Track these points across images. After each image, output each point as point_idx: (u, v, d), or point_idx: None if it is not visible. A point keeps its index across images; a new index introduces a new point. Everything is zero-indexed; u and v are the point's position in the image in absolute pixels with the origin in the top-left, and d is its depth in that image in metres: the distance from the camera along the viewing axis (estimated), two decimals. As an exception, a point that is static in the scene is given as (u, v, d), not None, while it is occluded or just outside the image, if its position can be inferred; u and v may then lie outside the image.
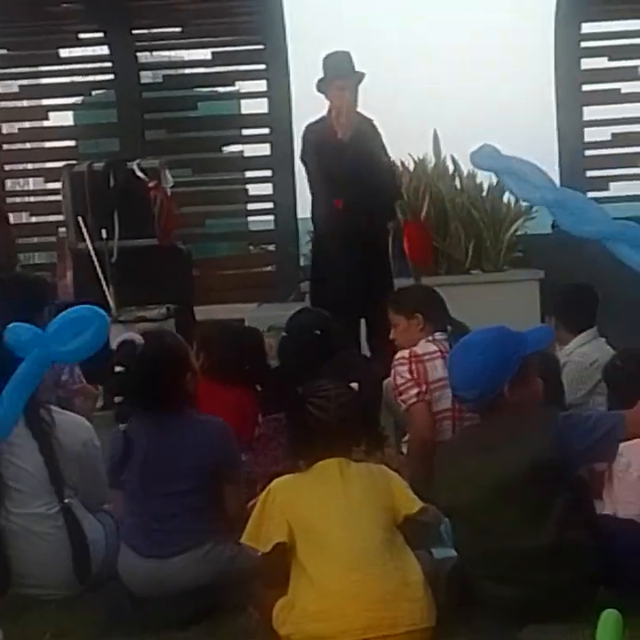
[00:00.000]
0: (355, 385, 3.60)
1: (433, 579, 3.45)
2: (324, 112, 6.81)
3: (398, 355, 4.91)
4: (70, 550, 3.93)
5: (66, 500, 3.95)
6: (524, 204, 9.06)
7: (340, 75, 6.72)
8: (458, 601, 3.58)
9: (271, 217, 10.56)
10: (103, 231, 7.23)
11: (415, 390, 4.76)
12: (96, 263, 7.18)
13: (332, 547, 3.28)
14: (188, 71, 11.55)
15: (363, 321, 6.66)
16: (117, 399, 3.86)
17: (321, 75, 6.71)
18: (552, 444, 3.45)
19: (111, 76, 10.69)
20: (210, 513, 3.83)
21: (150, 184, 7.32)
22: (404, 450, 4.94)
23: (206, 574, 3.75)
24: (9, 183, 11.74)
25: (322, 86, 6.80)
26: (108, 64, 10.70)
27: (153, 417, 3.85)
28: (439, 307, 5.05)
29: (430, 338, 4.91)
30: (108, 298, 7.09)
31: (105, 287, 7.13)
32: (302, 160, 6.96)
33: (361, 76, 6.82)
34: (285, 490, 3.42)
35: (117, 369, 3.82)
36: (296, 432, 3.60)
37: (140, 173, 7.35)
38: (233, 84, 11.12)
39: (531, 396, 3.66)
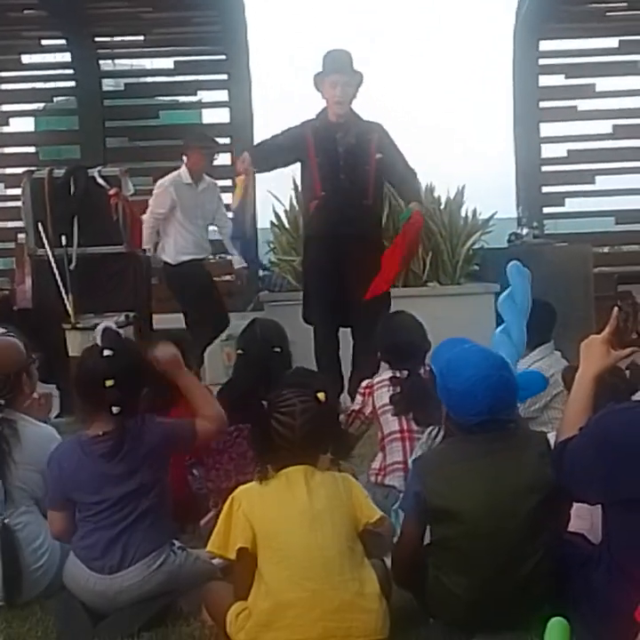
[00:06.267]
0: (321, 395, 3.47)
1: (387, 588, 3.47)
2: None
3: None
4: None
5: (6, 521, 3.89)
6: (481, 217, 9.19)
7: (336, 70, 6.65)
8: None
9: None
10: (63, 238, 7.22)
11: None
12: (55, 270, 7.17)
13: (292, 555, 3.26)
14: (149, 80, 11.55)
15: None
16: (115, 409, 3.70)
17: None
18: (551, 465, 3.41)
19: (73, 83, 10.70)
20: (159, 520, 3.78)
21: (111, 192, 7.34)
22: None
23: (158, 582, 3.72)
24: (-32, 188, 11.70)
25: (317, 81, 6.73)
26: (70, 71, 10.72)
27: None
28: None
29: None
30: (67, 305, 7.09)
31: (64, 294, 7.13)
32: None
33: (360, 76, 6.75)
34: (250, 496, 3.38)
35: (107, 352, 3.70)
36: (261, 445, 3.52)
37: (100, 181, 7.35)
38: (195, 94, 11.16)
39: None
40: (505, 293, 4.67)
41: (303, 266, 7.26)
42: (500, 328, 4.61)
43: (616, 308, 3.51)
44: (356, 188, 6.66)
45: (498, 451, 3.44)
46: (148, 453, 3.76)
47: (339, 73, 6.64)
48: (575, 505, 3.76)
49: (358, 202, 6.67)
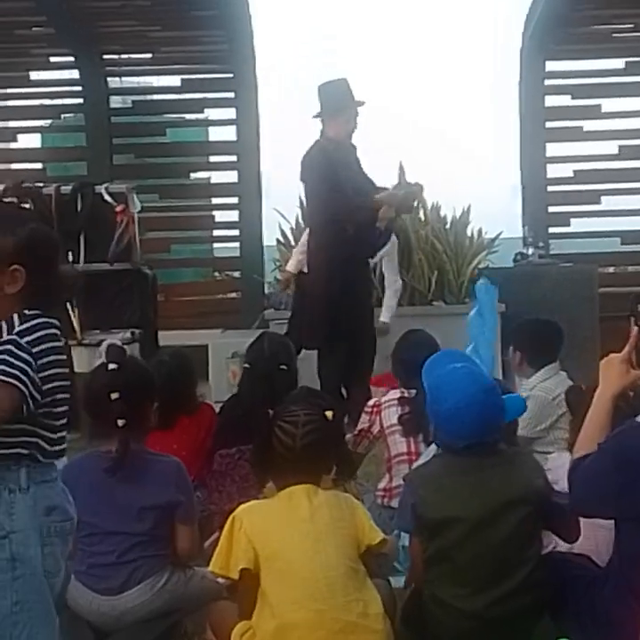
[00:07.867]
0: (329, 413, 3.45)
1: (391, 608, 3.46)
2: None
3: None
4: None
5: None
6: (487, 237, 9.21)
7: (345, 108, 6.63)
8: (413, 630, 3.61)
9: (237, 244, 10.63)
10: (69, 254, 7.25)
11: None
12: (61, 286, 7.18)
13: (296, 575, 3.24)
14: (157, 97, 11.59)
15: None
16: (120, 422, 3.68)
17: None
18: (544, 483, 3.47)
19: (80, 100, 10.75)
20: (163, 542, 3.77)
21: (117, 208, 7.36)
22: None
23: (162, 602, 3.73)
24: (-25, 203, 11.71)
25: (322, 117, 6.69)
26: (78, 88, 10.75)
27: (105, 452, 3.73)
28: None
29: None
30: (73, 321, 7.11)
31: (70, 310, 7.14)
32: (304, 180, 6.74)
33: (360, 104, 6.72)
34: (251, 516, 3.35)
35: (111, 366, 3.72)
36: (261, 454, 3.49)
37: (107, 197, 7.38)
38: (202, 111, 11.21)
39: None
40: (473, 311, 4.67)
41: (330, 288, 6.63)
42: (473, 311, 4.63)
43: (636, 327, 3.46)
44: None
45: (488, 465, 3.48)
46: (153, 486, 3.75)
47: (347, 110, 6.64)
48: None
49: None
